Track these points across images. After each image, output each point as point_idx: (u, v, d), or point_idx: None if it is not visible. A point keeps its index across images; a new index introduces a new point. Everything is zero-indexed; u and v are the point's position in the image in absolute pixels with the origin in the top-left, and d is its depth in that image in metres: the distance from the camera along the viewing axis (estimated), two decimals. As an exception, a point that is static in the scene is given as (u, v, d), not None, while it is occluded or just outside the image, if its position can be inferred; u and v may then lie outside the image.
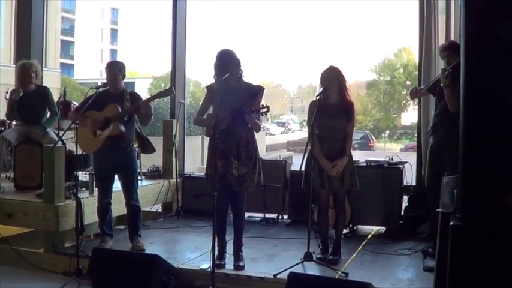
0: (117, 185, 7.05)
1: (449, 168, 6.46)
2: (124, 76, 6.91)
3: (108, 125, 6.64)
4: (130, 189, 6.93)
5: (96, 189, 7.12)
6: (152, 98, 6.84)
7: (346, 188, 6.40)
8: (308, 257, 6.09)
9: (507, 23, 3.82)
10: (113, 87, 6.80)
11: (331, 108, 6.26)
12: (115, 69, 6.83)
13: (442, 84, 6.47)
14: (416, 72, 9.01)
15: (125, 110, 6.65)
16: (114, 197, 7.03)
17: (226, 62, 6.00)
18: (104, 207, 6.91)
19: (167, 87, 6.84)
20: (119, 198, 7.01)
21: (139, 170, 8.63)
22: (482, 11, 3.92)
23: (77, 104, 8.77)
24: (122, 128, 6.64)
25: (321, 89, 6.29)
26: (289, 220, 8.53)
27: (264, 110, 5.84)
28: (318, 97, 6.25)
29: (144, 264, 5.79)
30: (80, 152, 6.90)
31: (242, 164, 6.02)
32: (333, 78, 6.28)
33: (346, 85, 6.36)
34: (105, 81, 6.91)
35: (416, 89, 7.30)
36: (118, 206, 7.09)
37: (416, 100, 7.83)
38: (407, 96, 7.69)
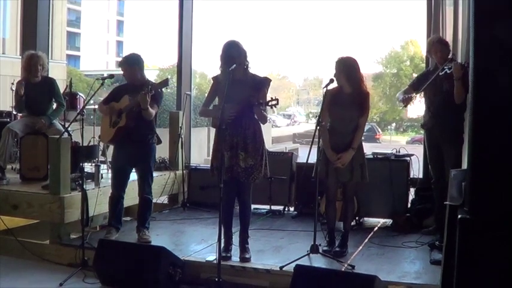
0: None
1: (450, 159, 6.49)
2: (140, 68, 6.90)
3: (119, 117, 6.66)
4: (141, 181, 6.93)
5: (102, 180, 7.12)
6: (148, 91, 6.77)
7: (355, 180, 6.35)
8: (314, 249, 6.07)
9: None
10: (130, 80, 6.82)
11: (345, 99, 6.22)
12: (124, 65, 6.83)
13: (454, 77, 6.46)
14: (423, 65, 8.99)
15: (131, 103, 6.62)
16: (124, 190, 7.05)
17: (233, 53, 5.97)
18: (114, 198, 6.92)
19: (164, 79, 6.82)
20: (128, 190, 7.02)
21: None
22: (491, 10, 3.92)
23: (83, 96, 8.81)
24: (129, 120, 6.62)
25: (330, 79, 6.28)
26: (296, 212, 8.52)
27: (273, 102, 5.82)
28: (324, 88, 6.23)
29: (150, 256, 5.80)
30: (85, 143, 6.91)
31: (249, 156, 6.01)
32: (340, 70, 6.22)
33: (360, 75, 6.29)
34: (111, 72, 6.89)
35: (409, 96, 7.23)
36: (125, 198, 7.07)
37: (422, 93, 7.81)
38: (402, 104, 7.60)
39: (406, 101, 7.14)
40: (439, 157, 6.86)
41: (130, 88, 6.75)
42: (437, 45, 6.89)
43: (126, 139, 6.70)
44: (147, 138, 6.85)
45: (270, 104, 5.84)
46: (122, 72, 6.87)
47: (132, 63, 6.82)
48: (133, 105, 6.60)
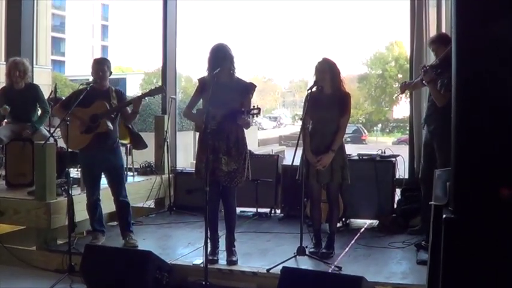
0: (105, 181, 7.02)
1: (440, 160, 6.46)
2: (111, 73, 6.88)
3: (95, 122, 6.60)
4: (117, 186, 6.90)
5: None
6: (143, 96, 6.81)
7: (336, 182, 6.35)
8: (301, 251, 6.08)
9: (499, 20, 3.83)
10: (100, 85, 6.75)
11: (325, 100, 6.25)
12: (104, 65, 6.77)
13: (424, 81, 6.48)
14: (408, 66, 9.04)
15: (113, 107, 6.61)
16: (104, 194, 6.99)
17: (220, 57, 5.99)
18: (92, 205, 6.87)
19: (158, 86, 6.82)
20: (109, 194, 6.98)
21: (131, 166, 8.63)
22: (473, 10, 3.94)
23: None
24: (110, 125, 6.60)
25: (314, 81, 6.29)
26: (282, 214, 8.50)
27: (255, 111, 5.84)
28: (309, 91, 6.25)
29: (136, 260, 5.78)
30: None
31: (233, 160, 6.01)
32: (326, 70, 6.25)
33: (341, 77, 6.33)
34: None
35: (405, 83, 7.29)
36: (109, 202, 7.03)
37: (408, 93, 7.84)
38: (398, 91, 7.71)
39: (402, 87, 7.15)
40: (431, 156, 6.81)
41: (97, 93, 6.68)
42: (433, 44, 6.86)
43: (100, 144, 6.66)
44: (116, 141, 6.88)
45: (252, 113, 5.86)
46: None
47: (108, 67, 6.80)
48: (114, 111, 6.61)
